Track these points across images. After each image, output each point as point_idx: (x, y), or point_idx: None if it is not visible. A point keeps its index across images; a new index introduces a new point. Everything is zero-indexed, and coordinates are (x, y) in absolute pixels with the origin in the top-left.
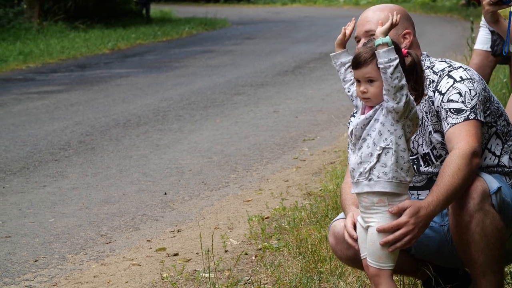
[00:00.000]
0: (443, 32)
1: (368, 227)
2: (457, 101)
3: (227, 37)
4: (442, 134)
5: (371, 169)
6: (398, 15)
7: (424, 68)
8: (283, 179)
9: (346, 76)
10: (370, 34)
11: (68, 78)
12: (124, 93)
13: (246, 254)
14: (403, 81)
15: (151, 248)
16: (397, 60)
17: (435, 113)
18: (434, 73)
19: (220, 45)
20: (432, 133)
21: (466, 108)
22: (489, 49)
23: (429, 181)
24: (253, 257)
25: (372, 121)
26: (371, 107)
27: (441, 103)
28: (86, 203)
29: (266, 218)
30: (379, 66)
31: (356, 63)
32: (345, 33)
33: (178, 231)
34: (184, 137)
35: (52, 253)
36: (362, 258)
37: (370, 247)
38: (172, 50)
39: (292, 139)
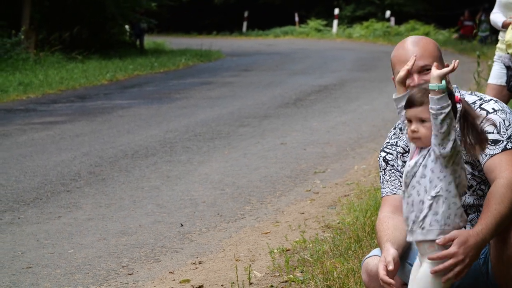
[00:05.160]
0: None
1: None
2: (493, 132)
3: (224, 68)
4: (472, 165)
5: (423, 217)
6: (457, 61)
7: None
8: (298, 211)
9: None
10: (425, 69)
11: (69, 108)
12: (128, 124)
13: (271, 286)
14: (452, 127)
15: (174, 279)
16: (449, 107)
17: None
18: None
19: (218, 77)
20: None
21: (502, 138)
22: (504, 84)
23: None
24: None
25: (421, 167)
26: (419, 150)
27: None
28: (104, 234)
29: (287, 250)
30: (430, 111)
31: (409, 104)
32: (408, 70)
33: (200, 263)
34: (194, 169)
35: (75, 284)
36: None
37: (420, 283)
38: (171, 81)
39: (303, 171)
